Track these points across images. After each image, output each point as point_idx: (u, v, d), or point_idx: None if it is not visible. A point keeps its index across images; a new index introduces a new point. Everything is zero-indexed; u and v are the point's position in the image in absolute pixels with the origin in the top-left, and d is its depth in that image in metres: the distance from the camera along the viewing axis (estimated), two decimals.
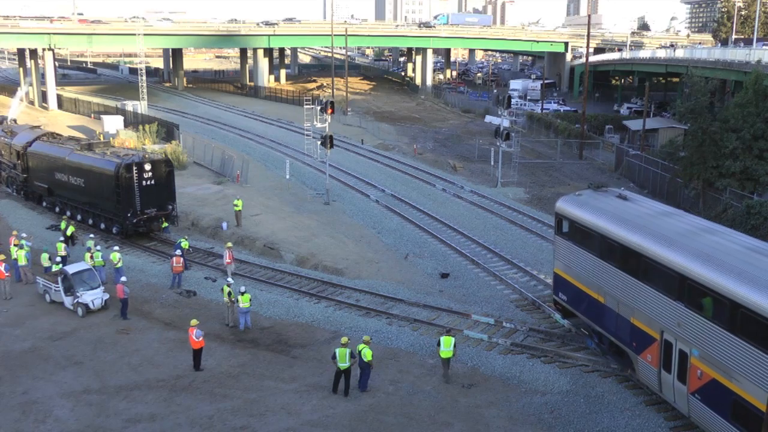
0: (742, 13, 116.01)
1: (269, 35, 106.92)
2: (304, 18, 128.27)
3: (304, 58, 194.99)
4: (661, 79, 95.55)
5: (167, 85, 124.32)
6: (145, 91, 79.24)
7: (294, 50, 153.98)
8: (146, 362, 22.61)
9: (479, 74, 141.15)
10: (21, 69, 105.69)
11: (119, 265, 29.74)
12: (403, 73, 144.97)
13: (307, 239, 35.56)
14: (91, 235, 34.60)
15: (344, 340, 20.88)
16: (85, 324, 25.66)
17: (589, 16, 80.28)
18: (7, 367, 22.21)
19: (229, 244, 31.15)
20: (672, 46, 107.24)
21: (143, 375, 21.73)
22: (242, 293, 24.98)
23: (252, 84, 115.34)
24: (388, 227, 38.26)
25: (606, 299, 21.36)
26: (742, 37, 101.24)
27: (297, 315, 26.61)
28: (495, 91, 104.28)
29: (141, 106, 76.58)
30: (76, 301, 26.47)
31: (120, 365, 22.39)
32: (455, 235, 36.56)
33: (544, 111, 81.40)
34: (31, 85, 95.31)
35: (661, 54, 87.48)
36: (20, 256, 29.86)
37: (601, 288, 21.57)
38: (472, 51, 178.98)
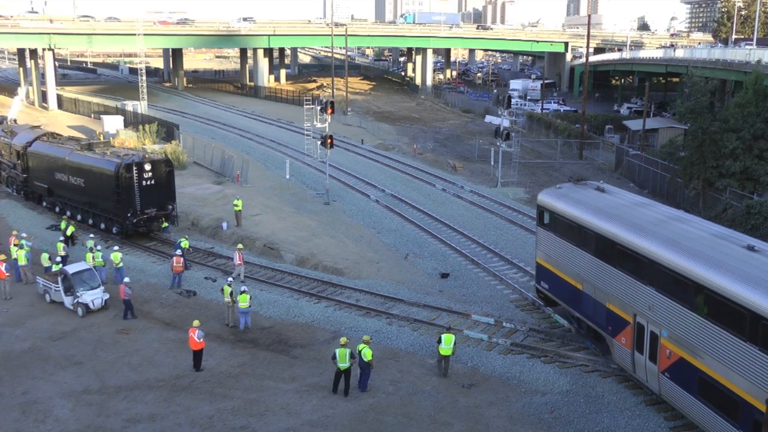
0: (742, 13, 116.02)
1: (269, 35, 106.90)
2: (292, 18, 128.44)
3: (304, 58, 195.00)
4: (661, 79, 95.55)
5: (167, 85, 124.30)
6: (145, 91, 79.23)
7: (294, 50, 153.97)
8: (146, 362, 22.61)
9: (479, 74, 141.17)
10: (21, 69, 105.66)
11: (120, 265, 29.76)
12: (403, 73, 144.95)
13: (307, 239, 35.56)
14: (91, 235, 34.61)
15: (343, 340, 20.89)
16: (85, 324, 25.66)
17: (589, 16, 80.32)
18: (7, 367, 22.21)
19: (240, 246, 31.03)
20: (672, 46, 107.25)
21: (143, 375, 21.73)
22: (241, 293, 24.99)
23: (252, 84, 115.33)
24: (388, 227, 38.26)
25: (584, 286, 22.44)
26: (743, 37, 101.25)
27: (297, 315, 26.61)
28: (495, 91, 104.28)
29: (141, 106, 76.56)
30: (76, 301, 26.47)
31: (120, 365, 22.38)
32: (455, 235, 36.56)
33: (544, 111, 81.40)
34: (31, 85, 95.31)
35: (661, 54, 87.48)
36: (20, 256, 29.86)
37: (579, 275, 22.66)
38: (472, 51, 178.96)
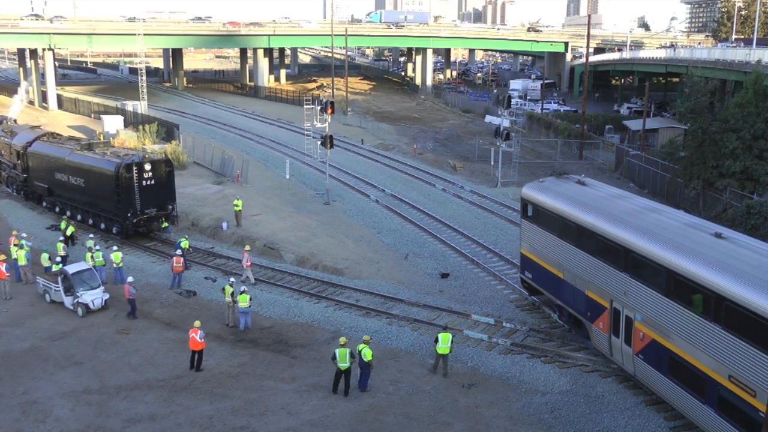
0: (742, 13, 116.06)
1: (269, 35, 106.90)
2: (292, 18, 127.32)
3: (304, 58, 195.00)
4: (661, 79, 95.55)
5: (167, 85, 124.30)
6: (145, 91, 79.24)
7: (294, 50, 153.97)
8: (146, 362, 22.61)
9: (479, 74, 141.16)
10: (21, 69, 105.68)
11: (120, 265, 29.76)
12: (403, 73, 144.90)
13: (307, 239, 35.56)
14: (91, 235, 34.61)
15: (343, 340, 20.90)
16: (85, 324, 25.66)
17: (589, 16, 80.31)
18: (7, 367, 22.21)
19: (248, 247, 30.93)
20: (672, 46, 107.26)
21: (143, 375, 21.73)
22: (241, 293, 24.99)
23: (252, 84, 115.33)
24: (388, 227, 38.26)
25: (565, 275, 23.47)
26: (743, 37, 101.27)
27: (297, 315, 26.61)
28: (495, 91, 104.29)
29: (141, 106, 76.56)
30: (76, 301, 26.46)
31: (120, 365, 22.39)
32: (455, 235, 36.56)
33: (544, 111, 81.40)
34: (31, 85, 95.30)
35: (661, 54, 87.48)
36: (20, 256, 29.86)
37: (560, 265, 23.68)
38: (472, 51, 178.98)
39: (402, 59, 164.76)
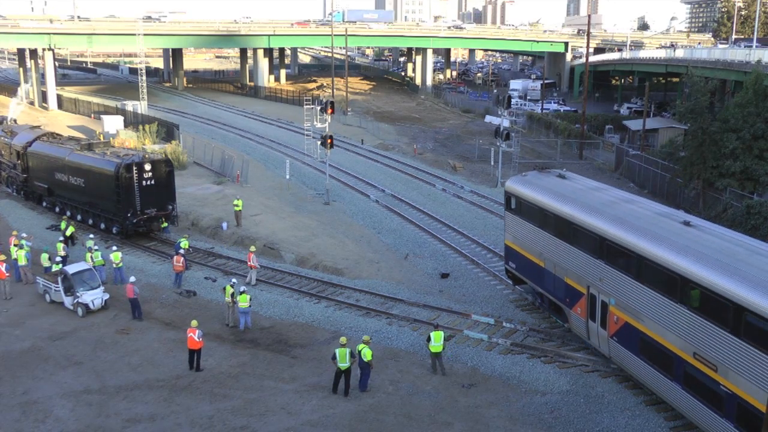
0: (742, 13, 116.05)
1: (269, 35, 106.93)
2: (292, 18, 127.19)
3: (304, 58, 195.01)
4: (661, 79, 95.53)
5: (167, 85, 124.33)
6: (145, 91, 79.24)
7: (294, 50, 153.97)
8: (146, 362, 22.61)
9: (479, 74, 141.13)
10: (21, 69, 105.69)
11: (120, 265, 29.76)
12: (403, 73, 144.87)
13: (307, 239, 35.56)
14: (91, 235, 34.60)
15: (343, 340, 20.90)
16: (85, 324, 25.66)
17: (589, 16, 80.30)
18: (7, 367, 22.21)
19: (253, 248, 30.76)
20: (672, 46, 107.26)
21: (143, 375, 21.73)
22: (241, 293, 24.98)
23: (252, 84, 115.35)
24: (388, 227, 38.26)
25: (545, 263, 24.55)
26: (743, 37, 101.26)
27: (297, 315, 26.61)
28: (495, 91, 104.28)
29: (141, 106, 76.57)
30: (76, 301, 26.46)
31: (120, 365, 22.39)
32: (455, 235, 36.56)
33: (544, 111, 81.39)
34: (31, 85, 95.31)
35: (661, 54, 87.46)
36: (20, 256, 29.86)
37: (541, 254, 24.76)
38: (472, 51, 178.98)
39: (402, 59, 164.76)
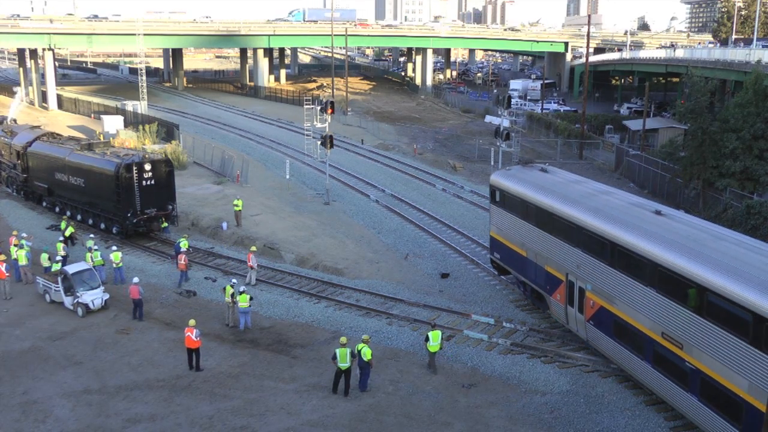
0: (742, 13, 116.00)
1: (269, 35, 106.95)
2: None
3: (304, 58, 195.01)
4: (661, 79, 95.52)
5: (167, 85, 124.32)
6: (145, 91, 79.23)
7: (294, 50, 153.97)
8: (146, 362, 22.61)
9: (479, 74, 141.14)
10: (21, 69, 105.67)
11: (120, 264, 29.75)
12: (403, 73, 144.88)
13: (307, 239, 35.56)
14: (91, 235, 34.61)
15: (343, 340, 20.90)
16: (85, 324, 25.65)
17: (589, 16, 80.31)
18: (7, 367, 22.21)
19: (254, 248, 30.81)
20: (672, 46, 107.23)
21: (143, 375, 21.73)
22: (241, 293, 24.98)
23: (252, 84, 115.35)
24: (388, 227, 38.26)
25: (528, 253, 25.71)
26: (743, 37, 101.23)
27: (297, 315, 26.61)
28: (495, 91, 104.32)
29: (141, 106, 76.56)
30: (76, 301, 26.46)
31: (120, 365, 22.39)
32: (455, 235, 36.56)
33: (544, 111, 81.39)
34: (31, 85, 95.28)
35: (661, 54, 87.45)
36: (20, 256, 29.86)
37: (524, 244, 25.93)
38: (472, 51, 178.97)
39: (402, 59, 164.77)
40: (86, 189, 36.89)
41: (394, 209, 41.36)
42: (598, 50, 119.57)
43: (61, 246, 31.65)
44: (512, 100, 70.41)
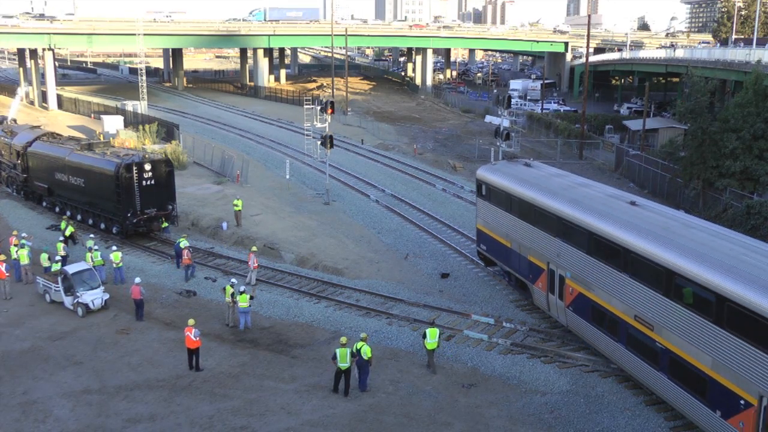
0: (742, 13, 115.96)
1: (269, 35, 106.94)
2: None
3: (304, 58, 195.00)
4: (661, 79, 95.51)
5: (167, 85, 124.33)
6: (145, 91, 79.23)
7: (294, 50, 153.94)
8: (146, 362, 22.61)
9: (479, 74, 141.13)
10: (21, 69, 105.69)
11: (120, 264, 29.74)
12: (403, 73, 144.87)
13: (307, 239, 35.56)
14: (91, 235, 34.61)
15: (343, 340, 20.89)
16: (85, 324, 25.65)
17: (589, 16, 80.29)
18: (7, 367, 22.21)
19: (255, 248, 30.78)
20: (672, 46, 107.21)
21: (143, 375, 21.72)
22: (241, 293, 24.98)
23: (252, 84, 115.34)
24: (388, 227, 38.26)
25: (512, 244, 26.88)
26: (743, 37, 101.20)
27: (297, 315, 26.61)
28: (495, 91, 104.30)
29: (141, 106, 76.56)
30: (76, 301, 26.45)
31: (120, 365, 22.38)
32: (455, 235, 36.55)
33: (544, 111, 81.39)
34: (31, 85, 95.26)
35: (661, 54, 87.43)
36: (22, 255, 29.86)
37: (508, 235, 27.09)
38: (472, 51, 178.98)
39: (402, 59, 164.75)
40: (86, 189, 36.88)
41: (394, 209, 41.36)
42: (598, 50, 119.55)
43: (61, 246, 31.64)
44: (512, 100, 70.42)
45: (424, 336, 22.07)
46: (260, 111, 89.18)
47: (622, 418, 19.49)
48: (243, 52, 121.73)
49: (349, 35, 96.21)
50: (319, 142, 44.11)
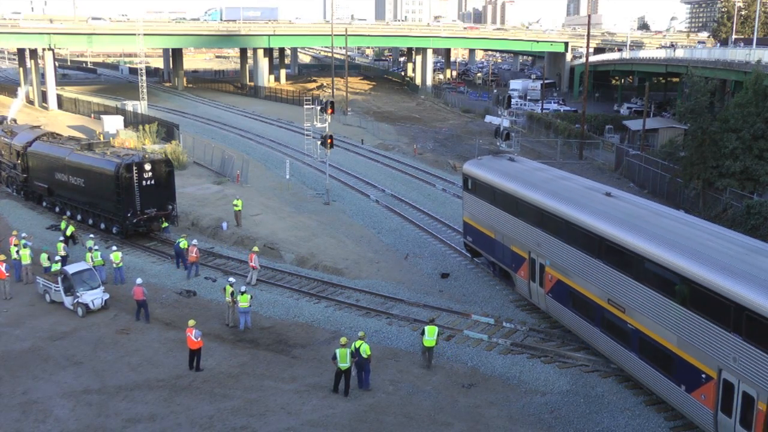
0: (742, 13, 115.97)
1: (269, 35, 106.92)
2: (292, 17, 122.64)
3: (304, 58, 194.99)
4: (661, 79, 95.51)
5: (167, 85, 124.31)
6: (145, 91, 79.23)
7: (294, 50, 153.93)
8: (146, 362, 22.60)
9: (479, 74, 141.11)
10: (21, 69, 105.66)
11: (120, 264, 29.73)
12: (403, 73, 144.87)
13: (307, 239, 35.56)
14: (91, 235, 34.60)
15: (344, 340, 20.90)
16: (85, 324, 25.64)
17: (589, 16, 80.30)
18: (7, 367, 22.20)
19: (256, 249, 30.73)
20: (672, 46, 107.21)
21: (143, 375, 21.72)
22: (242, 293, 24.98)
23: (252, 84, 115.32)
24: (388, 227, 38.26)
25: (496, 235, 28.15)
26: (743, 37, 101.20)
27: (297, 315, 26.61)
28: (495, 91, 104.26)
29: (141, 106, 76.56)
30: (76, 301, 26.45)
31: (120, 365, 22.38)
32: (455, 235, 36.54)
33: (544, 111, 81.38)
34: (31, 85, 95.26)
35: (661, 54, 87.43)
36: (24, 255, 29.87)
37: (492, 227, 28.38)
38: (472, 51, 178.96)
39: (402, 59, 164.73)
40: (86, 189, 36.88)
41: (394, 209, 41.36)
42: (598, 50, 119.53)
43: (61, 246, 31.63)
44: (512, 100, 70.43)
45: (423, 333, 22.15)
46: (260, 111, 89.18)
47: (622, 418, 19.49)
48: (243, 52, 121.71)
49: (349, 35, 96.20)
50: (319, 142, 44.11)
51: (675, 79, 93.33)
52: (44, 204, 41.59)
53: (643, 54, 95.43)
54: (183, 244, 31.52)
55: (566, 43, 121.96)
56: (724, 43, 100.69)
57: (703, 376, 17.30)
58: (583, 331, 22.66)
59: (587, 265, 21.90)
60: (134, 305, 26.40)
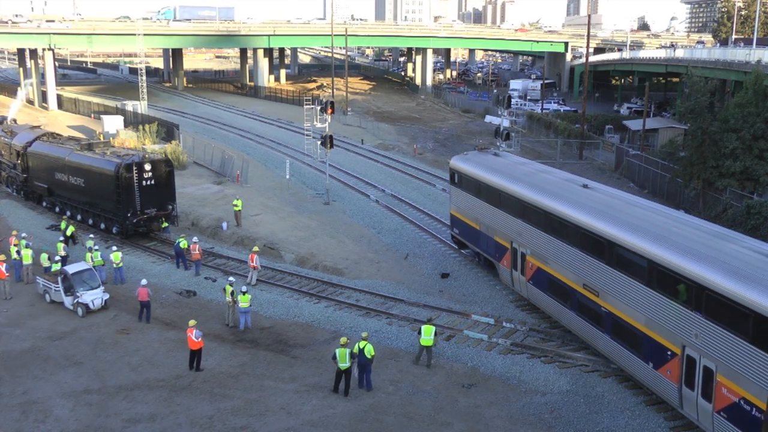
0: (742, 13, 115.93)
1: (269, 35, 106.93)
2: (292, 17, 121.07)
3: (304, 58, 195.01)
4: (661, 79, 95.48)
5: (167, 85, 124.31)
6: (145, 91, 79.23)
7: (294, 50, 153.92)
8: (146, 362, 22.60)
9: (479, 74, 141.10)
10: (21, 69, 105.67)
11: (120, 264, 29.73)
12: (403, 73, 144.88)
13: (307, 239, 35.56)
14: (91, 235, 34.60)
15: (343, 340, 20.88)
16: (85, 324, 25.64)
17: (589, 16, 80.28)
18: (7, 367, 22.20)
19: (256, 248, 30.72)
20: (672, 46, 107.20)
21: (143, 375, 21.72)
22: (242, 293, 24.97)
23: (252, 84, 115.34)
24: (388, 227, 38.26)
25: (480, 227, 29.51)
26: (743, 37, 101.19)
27: (297, 315, 26.61)
28: (495, 91, 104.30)
29: (141, 106, 76.56)
30: (76, 301, 26.44)
31: (120, 365, 22.37)
32: None
33: (544, 111, 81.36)
34: (31, 85, 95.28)
35: (661, 54, 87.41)
36: (26, 255, 29.87)
37: (477, 219, 29.73)
38: (472, 51, 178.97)
39: (402, 59, 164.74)
40: (86, 189, 36.88)
41: (394, 209, 41.36)
42: (598, 50, 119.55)
43: (61, 246, 31.63)
44: (512, 100, 70.48)
45: (419, 332, 22.20)
46: (260, 111, 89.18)
47: (622, 418, 19.49)
48: (243, 52, 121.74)
49: (349, 35, 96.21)
50: (319, 142, 44.10)
51: (675, 79, 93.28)
52: (44, 204, 41.59)
53: (643, 54, 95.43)
54: (183, 244, 31.54)
55: (566, 43, 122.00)
56: (724, 43, 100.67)
57: (669, 353, 18.51)
58: (561, 316, 23.93)
59: (564, 253, 23.18)
60: (135, 305, 26.40)
